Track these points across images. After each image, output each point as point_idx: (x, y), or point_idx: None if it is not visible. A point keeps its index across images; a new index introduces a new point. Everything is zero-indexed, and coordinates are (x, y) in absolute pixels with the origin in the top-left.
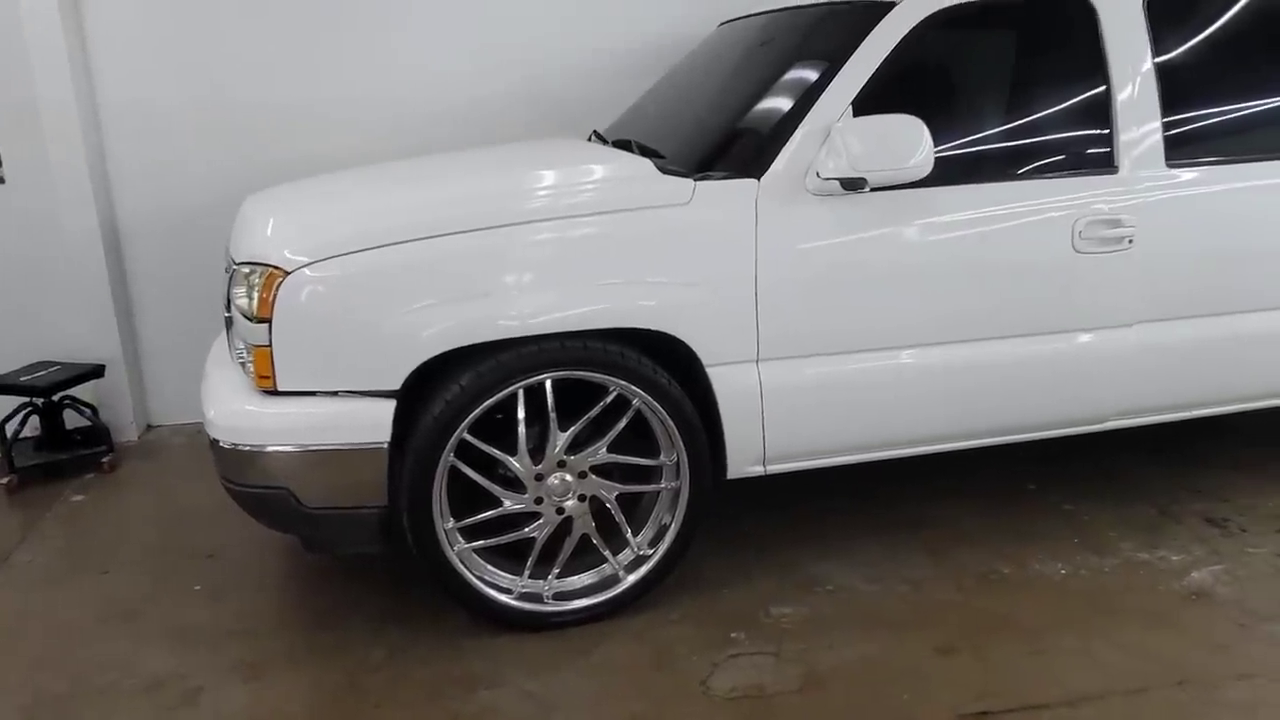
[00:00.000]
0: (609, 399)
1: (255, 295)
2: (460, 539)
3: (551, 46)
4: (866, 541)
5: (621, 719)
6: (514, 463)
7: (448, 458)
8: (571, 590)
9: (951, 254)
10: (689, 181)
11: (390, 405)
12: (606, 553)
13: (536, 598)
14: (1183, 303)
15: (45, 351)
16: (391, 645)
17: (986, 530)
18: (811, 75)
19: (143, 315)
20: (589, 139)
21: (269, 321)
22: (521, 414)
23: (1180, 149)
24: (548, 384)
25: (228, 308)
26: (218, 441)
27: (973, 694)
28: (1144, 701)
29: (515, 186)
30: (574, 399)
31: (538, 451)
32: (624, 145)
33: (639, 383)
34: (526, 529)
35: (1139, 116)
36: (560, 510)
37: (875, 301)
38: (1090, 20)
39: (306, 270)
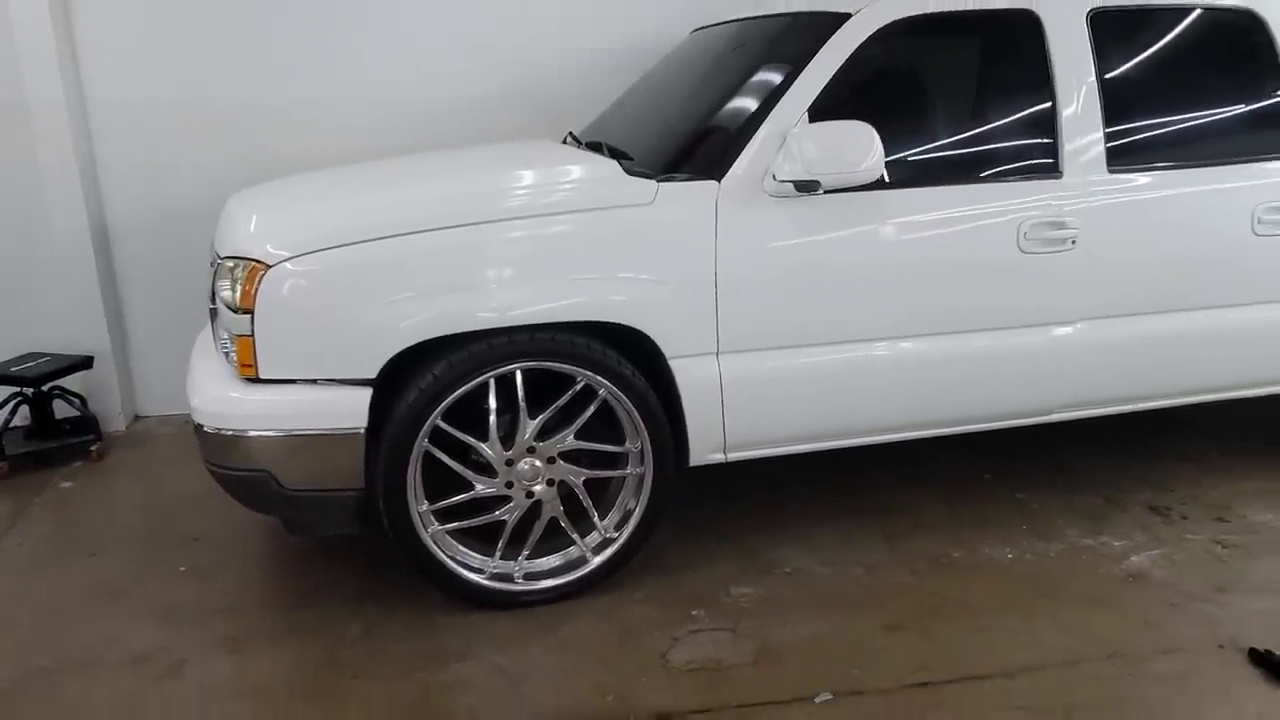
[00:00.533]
0: (576, 389)
1: (238, 288)
2: (434, 521)
3: (535, 49)
4: (825, 528)
5: (585, 689)
6: (485, 448)
7: (422, 443)
8: (541, 571)
9: (901, 253)
10: (652, 183)
11: (367, 393)
12: (574, 535)
13: (507, 578)
14: (1123, 301)
15: (35, 344)
16: (369, 622)
17: (941, 518)
18: (771, 82)
19: (131, 309)
20: (564, 141)
21: (251, 313)
22: (493, 402)
23: (1122, 155)
24: (518, 374)
25: (212, 300)
26: (202, 426)
27: (916, 666)
28: (1076, 672)
29: (488, 186)
30: (545, 388)
31: (509, 438)
32: (596, 147)
33: (604, 373)
34: (497, 512)
35: (1082, 124)
36: (530, 494)
37: (829, 298)
38: (1036, 32)
39: (288, 264)
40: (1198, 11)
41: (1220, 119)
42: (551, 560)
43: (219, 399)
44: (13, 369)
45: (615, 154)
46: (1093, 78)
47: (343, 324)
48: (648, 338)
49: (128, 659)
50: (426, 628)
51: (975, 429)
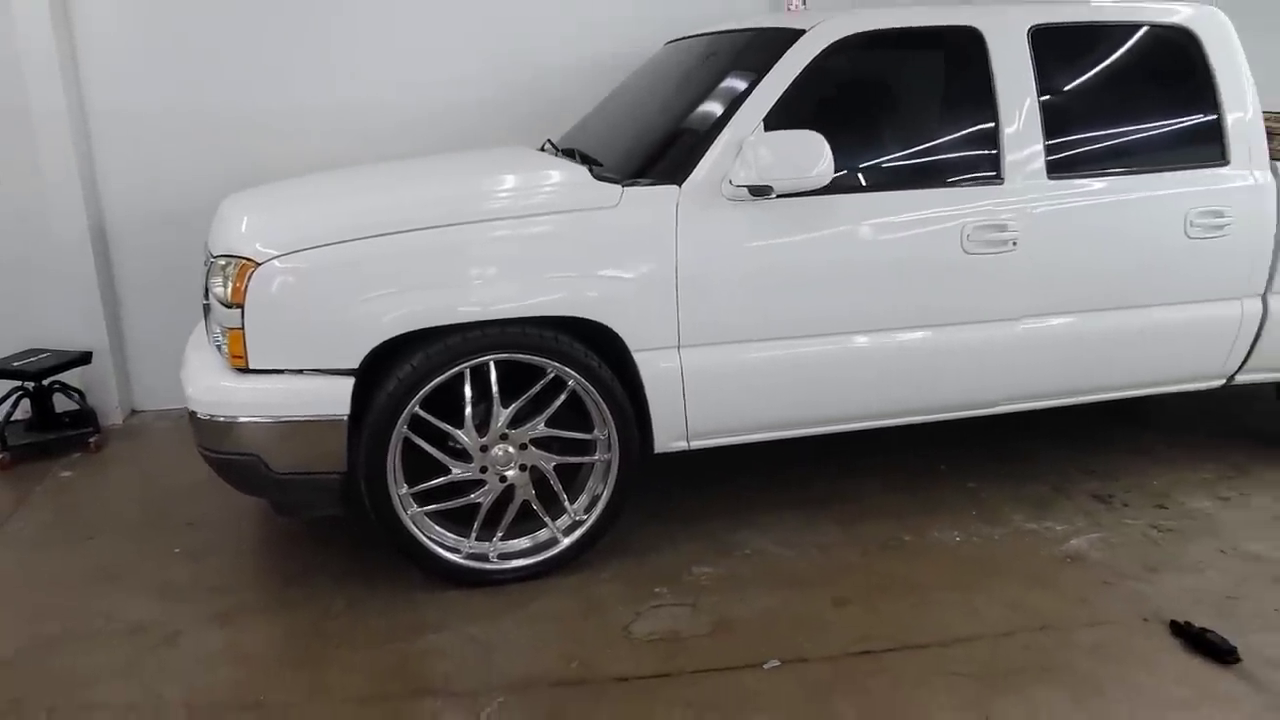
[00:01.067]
0: (546, 379)
1: (229, 284)
2: (413, 503)
3: (520, 60)
4: (786, 514)
5: (552, 657)
6: (461, 435)
7: (401, 430)
8: (514, 551)
9: (851, 253)
10: (617, 187)
11: (349, 382)
12: (546, 518)
13: (483, 557)
14: (1063, 300)
15: (36, 340)
16: (352, 598)
17: (896, 505)
18: (730, 93)
19: (128, 307)
20: (542, 148)
21: (241, 307)
22: (469, 392)
23: (1061, 163)
24: (491, 365)
25: (206, 296)
26: (196, 413)
27: (860, 637)
28: (1008, 642)
29: (464, 190)
30: (518, 379)
31: (483, 426)
32: (570, 154)
33: (573, 365)
34: (473, 495)
35: (1023, 134)
36: (503, 479)
37: (783, 295)
38: (980, 47)
39: (276, 262)
40: (1135, 28)
41: (1155, 130)
42: (524, 541)
43: (212, 388)
44: (14, 364)
45: (586, 160)
46: (1033, 90)
47: (327, 318)
48: (613, 332)
49: (126, 630)
50: (406, 603)
51: (924, 420)
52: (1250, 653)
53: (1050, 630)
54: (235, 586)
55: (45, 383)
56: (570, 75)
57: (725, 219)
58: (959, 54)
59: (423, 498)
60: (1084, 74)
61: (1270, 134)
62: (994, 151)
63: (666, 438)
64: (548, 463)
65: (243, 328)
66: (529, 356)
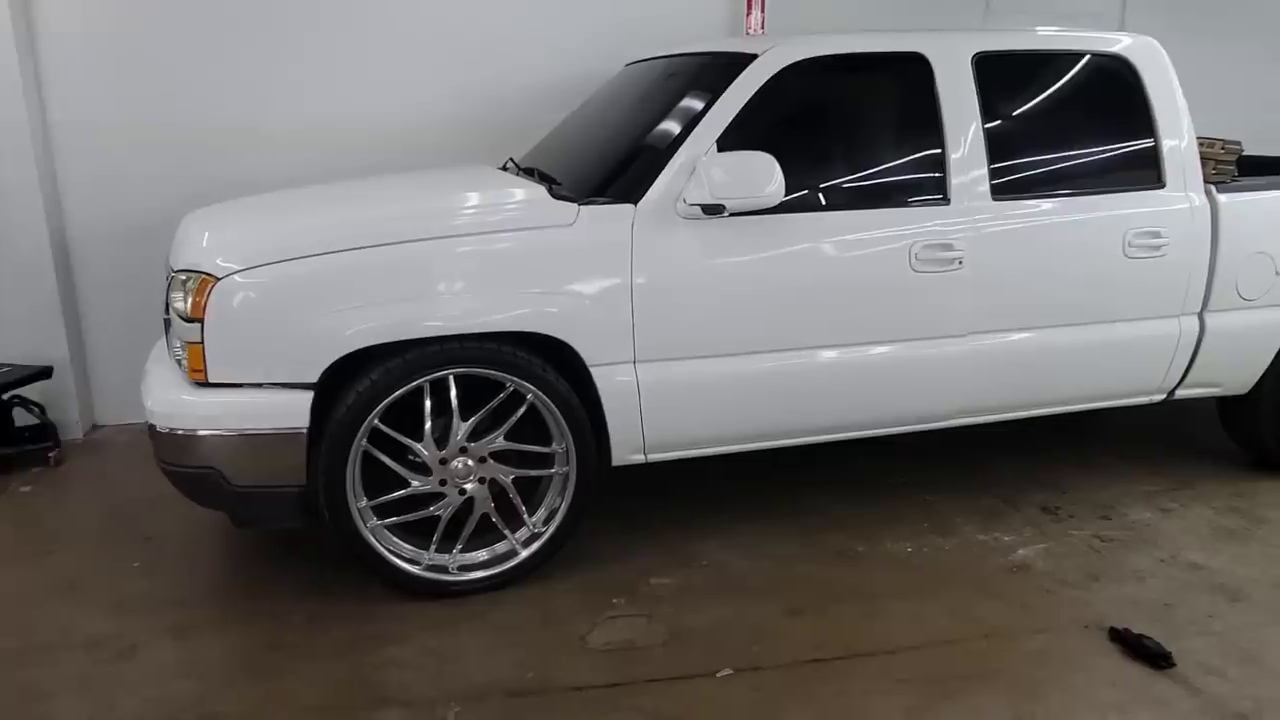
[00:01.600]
0: (505, 394)
1: (189, 299)
2: (373, 516)
3: (485, 81)
4: (744, 525)
5: (508, 667)
6: (420, 448)
7: (360, 443)
8: (474, 562)
9: (802, 271)
10: (574, 206)
11: (309, 396)
12: (505, 530)
13: (442, 569)
14: (1007, 317)
15: None
16: (311, 610)
17: (852, 516)
18: (686, 115)
19: (90, 321)
20: (504, 166)
21: (201, 321)
22: (428, 405)
23: (1005, 185)
24: (450, 379)
25: (166, 311)
26: (155, 427)
27: (812, 645)
28: (952, 649)
29: (427, 207)
30: (479, 392)
31: (443, 439)
32: (530, 173)
33: (531, 380)
34: (432, 508)
35: (968, 156)
36: (463, 491)
37: (735, 312)
38: (926, 72)
39: (237, 277)
40: (1076, 57)
41: (1095, 154)
42: (484, 553)
43: (171, 401)
44: None
45: (546, 179)
46: (978, 115)
47: (287, 332)
48: (571, 347)
49: (83, 643)
50: (365, 615)
51: (878, 434)
52: (1185, 658)
53: (994, 637)
54: (193, 600)
55: (5, 397)
56: (533, 95)
57: (680, 237)
58: (907, 79)
59: (382, 510)
60: (1027, 100)
61: (1204, 159)
62: (940, 174)
63: (624, 451)
64: (506, 476)
65: (202, 342)
66: (488, 371)
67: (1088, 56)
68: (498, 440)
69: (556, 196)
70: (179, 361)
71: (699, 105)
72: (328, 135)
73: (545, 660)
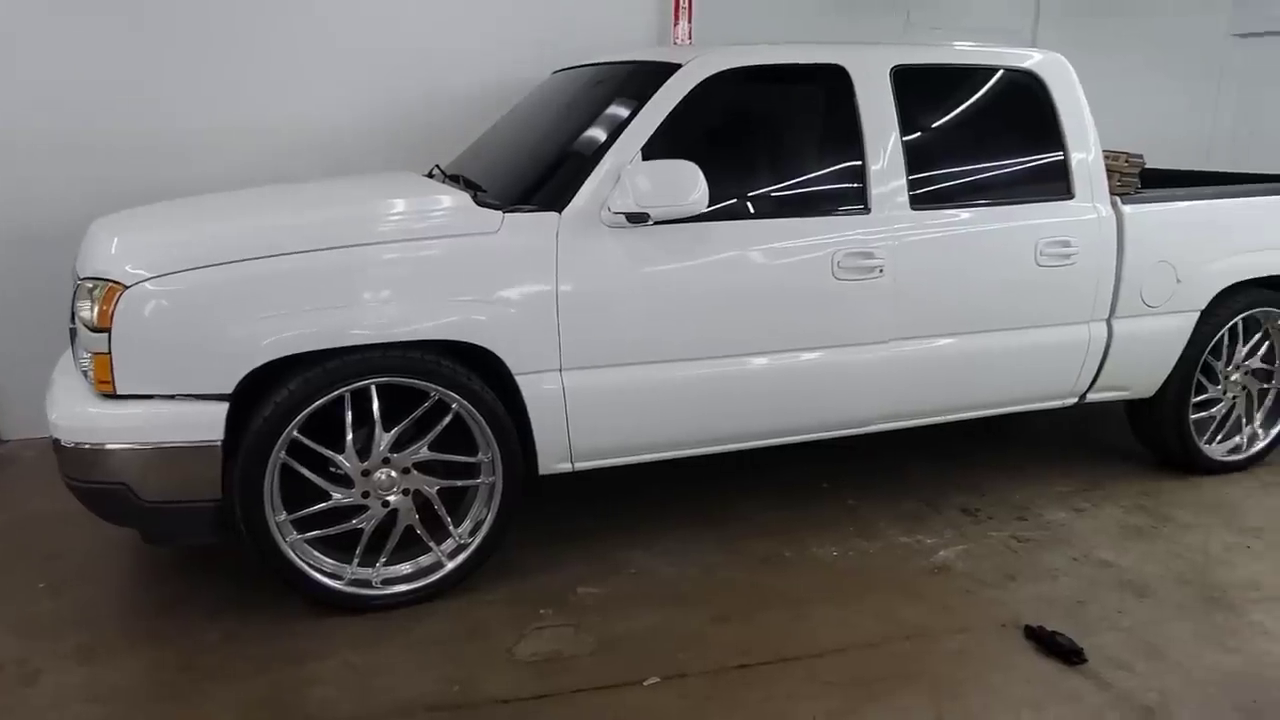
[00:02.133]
0: (430, 403)
1: (96, 307)
2: (293, 530)
3: (409, 88)
4: (673, 533)
5: (432, 681)
6: (342, 460)
7: (278, 455)
8: (399, 576)
9: (726, 279)
10: (498, 213)
11: (223, 407)
12: (431, 542)
13: (366, 583)
14: (927, 324)
15: None
16: (227, 628)
17: (779, 522)
18: (611, 123)
19: None
20: (429, 174)
21: (108, 331)
22: (349, 416)
23: (923, 195)
24: (372, 389)
25: (73, 320)
26: (60, 441)
27: (739, 651)
28: (876, 652)
29: (347, 214)
30: (406, 401)
31: (365, 450)
32: (456, 180)
33: (456, 389)
34: (355, 521)
35: (887, 166)
36: (386, 504)
37: (659, 320)
38: (846, 84)
39: (146, 284)
40: (990, 71)
41: (1008, 165)
42: (409, 565)
43: (77, 414)
44: None
45: (471, 186)
46: (896, 126)
47: (201, 341)
48: (496, 355)
49: None
50: (285, 633)
51: (804, 439)
52: (1095, 653)
53: (917, 639)
54: (101, 621)
55: None
56: (460, 103)
57: (604, 245)
58: (828, 91)
59: (303, 524)
60: (943, 112)
61: (1109, 171)
62: (861, 184)
63: (550, 460)
64: (431, 487)
65: (110, 352)
66: (411, 380)
67: (1001, 72)
68: (422, 451)
69: (481, 204)
70: (85, 373)
71: (624, 113)
72: (247, 142)
73: (471, 674)
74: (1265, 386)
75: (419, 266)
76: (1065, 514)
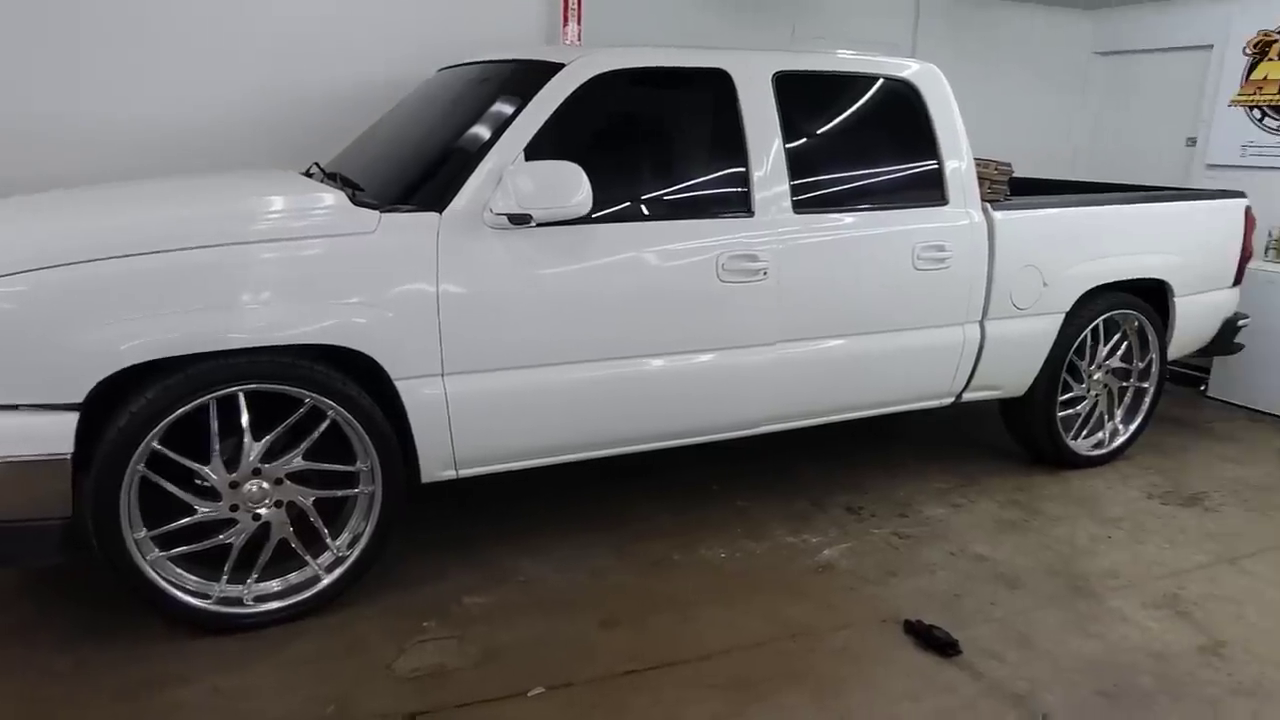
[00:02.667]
0: (302, 410)
1: None
2: (154, 547)
3: (292, 80)
4: (563, 539)
5: (303, 701)
6: (208, 471)
7: (136, 468)
8: (272, 592)
9: (611, 281)
10: (375, 213)
11: (73, 418)
12: (306, 556)
13: (236, 601)
14: (810, 326)
15: None
16: (80, 657)
17: (668, 525)
18: (494, 123)
19: None
20: (308, 171)
21: None
22: (215, 425)
23: (805, 199)
24: (240, 396)
25: None
26: None
27: (627, 657)
28: (761, 651)
29: (215, 211)
30: (280, 409)
31: (234, 461)
32: (333, 178)
33: (331, 395)
34: (223, 535)
35: (770, 169)
36: (257, 517)
37: (545, 322)
38: (729, 88)
39: None
40: (870, 80)
41: (887, 172)
42: (283, 581)
43: None
44: None
45: (349, 185)
46: (779, 130)
47: (47, 346)
48: (373, 360)
49: None
50: (144, 657)
51: (692, 441)
52: (970, 645)
53: (800, 637)
54: None
55: None
56: (341, 99)
57: (487, 247)
58: (711, 94)
59: (166, 540)
60: (824, 119)
61: (980, 179)
62: (745, 187)
63: (433, 467)
64: (306, 498)
65: None
66: (282, 387)
67: (880, 80)
68: (295, 460)
69: (358, 203)
70: None
71: (507, 112)
72: (110, 137)
73: (347, 692)
74: (1124, 385)
75: (290, 268)
76: (944, 510)
